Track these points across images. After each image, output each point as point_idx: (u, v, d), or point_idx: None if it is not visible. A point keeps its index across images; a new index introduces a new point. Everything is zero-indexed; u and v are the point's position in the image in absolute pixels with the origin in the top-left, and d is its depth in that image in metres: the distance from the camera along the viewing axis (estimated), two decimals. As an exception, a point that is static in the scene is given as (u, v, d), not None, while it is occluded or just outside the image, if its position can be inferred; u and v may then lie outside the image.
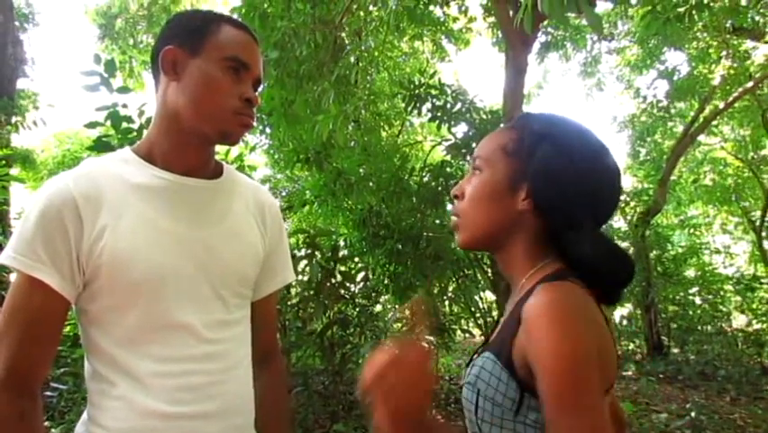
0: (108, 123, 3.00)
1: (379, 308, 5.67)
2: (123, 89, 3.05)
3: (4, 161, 3.52)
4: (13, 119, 5.77)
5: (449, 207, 5.06)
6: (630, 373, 6.33)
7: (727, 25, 7.32)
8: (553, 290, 0.77)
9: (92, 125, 3.08)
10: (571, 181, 0.82)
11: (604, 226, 0.91)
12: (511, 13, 4.34)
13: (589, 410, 0.68)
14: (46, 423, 2.98)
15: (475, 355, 0.92)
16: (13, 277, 0.92)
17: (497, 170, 0.87)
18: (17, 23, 6.56)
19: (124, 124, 3.00)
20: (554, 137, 0.85)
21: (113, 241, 0.88)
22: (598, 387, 0.70)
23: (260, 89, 1.05)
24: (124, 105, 3.04)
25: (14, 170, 7.53)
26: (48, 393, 2.98)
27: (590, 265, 0.81)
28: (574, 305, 0.75)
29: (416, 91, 4.75)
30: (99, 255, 0.88)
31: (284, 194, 9.19)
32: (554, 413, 0.69)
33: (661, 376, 6.06)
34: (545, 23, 6.29)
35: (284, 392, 1.21)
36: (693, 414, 3.94)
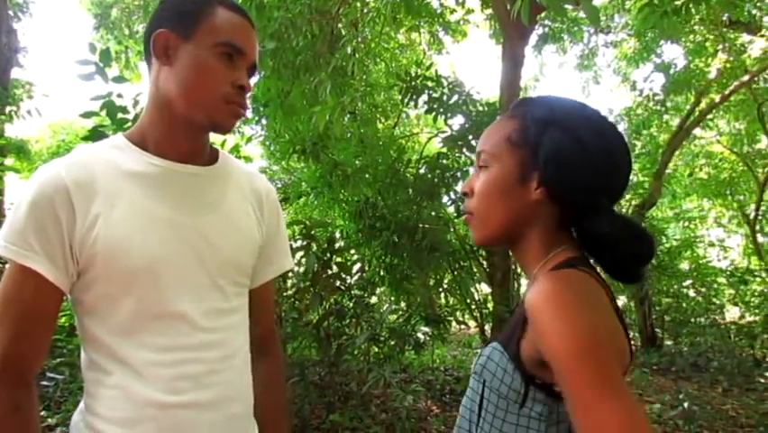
0: (103, 113, 2.98)
1: (374, 299, 5.68)
2: (119, 79, 3.03)
3: (-2, 151, 3.50)
4: (8, 109, 5.73)
5: (445, 198, 5.07)
6: (624, 364, 6.38)
7: (724, 19, 7.33)
8: (553, 277, 0.75)
9: (87, 115, 3.06)
10: (584, 164, 0.80)
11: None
12: (509, 5, 4.34)
13: (616, 400, 0.64)
14: (42, 413, 2.99)
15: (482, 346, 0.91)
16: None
17: (505, 162, 0.85)
18: (11, 13, 6.50)
19: (120, 114, 2.98)
20: (560, 121, 0.83)
21: (106, 229, 0.87)
22: (618, 371, 0.67)
23: (255, 77, 1.03)
24: (120, 95, 3.02)
25: (9, 161, 7.49)
26: (44, 383, 2.99)
27: (611, 245, 0.80)
28: (576, 290, 0.73)
29: (413, 83, 4.75)
30: (93, 244, 0.86)
31: (280, 185, 9.17)
32: (581, 404, 0.65)
33: (654, 368, 6.11)
34: (543, 15, 6.29)
35: (282, 381, 1.20)
36: (686, 405, 3.97)
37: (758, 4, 6.73)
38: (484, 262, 5.26)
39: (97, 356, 0.90)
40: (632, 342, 0.83)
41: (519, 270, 5.58)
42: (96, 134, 2.91)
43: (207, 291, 0.95)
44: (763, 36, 7.46)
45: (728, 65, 7.65)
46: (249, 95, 0.97)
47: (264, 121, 6.23)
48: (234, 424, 0.97)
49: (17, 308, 0.85)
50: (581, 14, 8.28)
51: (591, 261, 0.87)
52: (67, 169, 0.88)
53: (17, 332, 0.85)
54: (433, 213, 5.11)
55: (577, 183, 0.81)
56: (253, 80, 1.01)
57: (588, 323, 0.68)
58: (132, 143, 0.96)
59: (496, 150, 0.87)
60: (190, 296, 0.93)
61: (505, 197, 0.84)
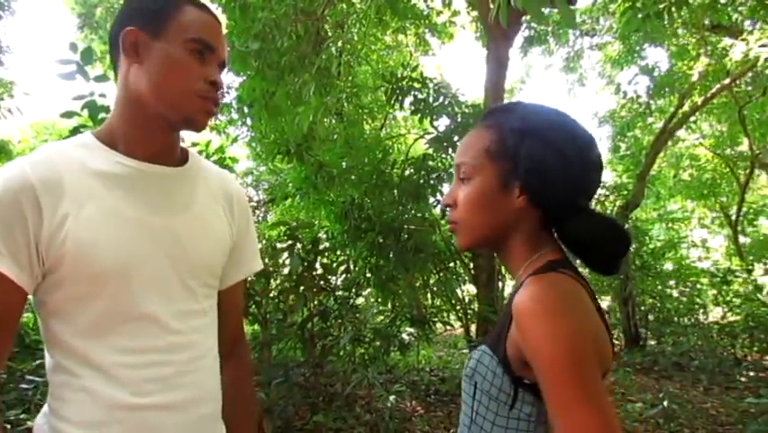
0: (85, 112, 2.95)
1: (361, 300, 5.69)
2: (101, 78, 3.00)
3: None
4: (-12, 108, 5.64)
5: (431, 200, 5.09)
6: (608, 364, 6.45)
7: (706, 23, 7.43)
8: (539, 282, 0.77)
9: (68, 115, 3.03)
10: (563, 171, 0.83)
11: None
12: (492, 7, 4.37)
13: (593, 405, 0.67)
14: (22, 416, 2.96)
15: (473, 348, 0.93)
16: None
17: (486, 175, 0.87)
18: (-8, 11, 6.43)
19: (102, 114, 2.95)
20: (536, 131, 0.85)
21: (75, 230, 0.85)
22: (598, 377, 0.70)
23: (224, 74, 1.02)
24: (102, 95, 2.99)
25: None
26: (23, 386, 2.95)
27: (590, 243, 0.83)
28: (562, 295, 0.75)
29: (398, 84, 4.76)
30: (61, 244, 0.84)
31: (266, 186, 9.15)
32: (560, 407, 0.69)
33: (637, 367, 6.18)
34: (527, 17, 6.33)
35: (249, 382, 1.19)
36: (666, 403, 4.02)
37: (739, 8, 6.84)
38: (470, 264, 5.28)
39: (63, 359, 0.89)
40: (614, 340, 0.85)
41: (504, 271, 5.62)
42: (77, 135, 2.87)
43: (177, 293, 0.94)
44: (744, 40, 7.57)
45: (710, 68, 7.76)
46: (221, 91, 0.97)
47: (249, 122, 6.21)
48: (203, 425, 0.96)
49: None
50: (566, 17, 8.34)
51: (573, 260, 0.91)
52: (32, 167, 0.86)
53: None
54: (418, 214, 5.13)
55: (556, 189, 0.84)
56: (228, 78, 1.01)
57: (571, 329, 0.71)
58: (100, 142, 0.94)
59: (476, 162, 0.88)
60: (160, 298, 0.91)
61: (488, 207, 0.87)
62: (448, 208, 0.93)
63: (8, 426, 2.68)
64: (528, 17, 6.26)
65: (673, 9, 4.58)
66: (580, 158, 0.85)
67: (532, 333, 0.71)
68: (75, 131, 2.92)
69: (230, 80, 6.27)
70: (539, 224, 0.87)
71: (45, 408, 0.93)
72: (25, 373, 3.09)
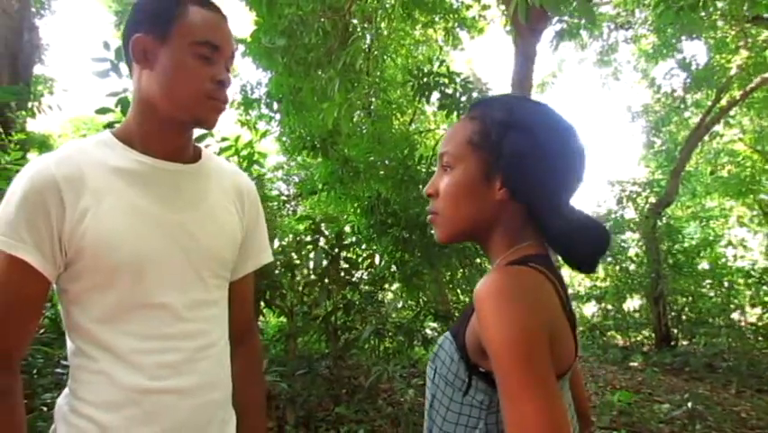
0: (119, 109, 3.05)
1: (390, 296, 5.71)
2: (134, 75, 3.08)
3: (18, 146, 3.59)
4: (30, 104, 5.84)
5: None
6: (637, 363, 6.34)
7: (747, 14, 7.19)
8: (500, 272, 0.78)
9: (102, 111, 3.12)
10: (543, 164, 0.83)
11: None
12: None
13: (540, 398, 0.67)
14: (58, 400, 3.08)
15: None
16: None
17: (468, 165, 0.87)
18: (33, 10, 6.65)
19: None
20: (518, 124, 0.85)
21: (95, 224, 0.90)
22: (548, 369, 0.70)
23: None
24: (134, 92, 3.08)
25: (32, 155, 7.68)
26: (59, 370, 3.08)
27: (567, 239, 0.84)
28: (519, 287, 0.75)
29: (425, 79, 4.75)
30: (81, 237, 0.89)
31: (296, 181, 9.23)
32: (507, 397, 0.69)
33: (667, 367, 6.06)
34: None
35: (259, 371, 1.23)
36: (690, 404, 3.94)
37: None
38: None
39: (83, 343, 0.95)
40: (578, 338, 0.86)
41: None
42: (111, 131, 2.97)
43: (190, 284, 0.99)
44: (786, 32, 7.31)
45: (750, 61, 7.51)
46: (228, 88, 1.00)
47: (278, 117, 6.30)
48: (212, 410, 1.01)
49: (5, 295, 0.89)
50: (600, 10, 8.18)
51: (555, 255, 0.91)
52: (57, 164, 0.92)
53: (4, 319, 0.89)
54: (443, 209, 5.11)
55: (536, 184, 0.84)
56: (258, 74, 1.04)
57: (524, 320, 0.71)
58: (119, 141, 1.00)
59: (459, 152, 0.89)
60: (174, 288, 0.97)
61: (470, 197, 0.87)
62: (430, 198, 0.93)
63: (44, 408, 2.81)
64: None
65: (709, 1, 4.45)
66: (562, 155, 0.85)
67: (486, 320, 0.72)
68: (109, 127, 3.03)
69: (260, 76, 6.38)
70: (522, 217, 0.87)
71: (66, 390, 0.99)
72: (61, 358, 3.22)
